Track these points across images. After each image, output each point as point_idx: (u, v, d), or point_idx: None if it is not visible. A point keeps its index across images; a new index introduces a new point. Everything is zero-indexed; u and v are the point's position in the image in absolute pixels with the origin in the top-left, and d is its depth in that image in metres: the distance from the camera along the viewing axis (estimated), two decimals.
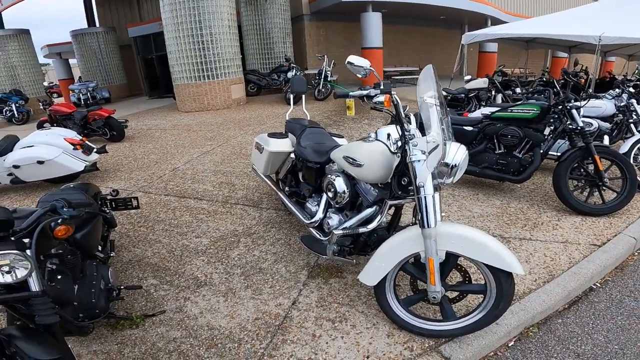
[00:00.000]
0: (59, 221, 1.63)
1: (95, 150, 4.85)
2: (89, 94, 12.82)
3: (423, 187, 1.70)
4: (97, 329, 2.02)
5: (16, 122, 10.74)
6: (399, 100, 1.82)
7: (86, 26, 15.68)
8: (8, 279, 1.38)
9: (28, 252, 1.45)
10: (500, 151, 3.55)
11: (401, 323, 1.89)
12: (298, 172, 2.92)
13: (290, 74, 8.95)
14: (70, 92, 13.31)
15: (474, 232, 1.75)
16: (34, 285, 1.45)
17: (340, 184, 2.20)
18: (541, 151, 3.32)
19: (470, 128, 3.75)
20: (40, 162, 4.19)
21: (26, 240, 1.49)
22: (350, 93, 1.90)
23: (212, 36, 8.33)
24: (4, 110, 10.86)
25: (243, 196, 3.77)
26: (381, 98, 1.78)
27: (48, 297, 1.48)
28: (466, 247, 1.70)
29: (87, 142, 4.88)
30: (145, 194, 4.03)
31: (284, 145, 2.92)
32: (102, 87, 13.70)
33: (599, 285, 2.36)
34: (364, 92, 1.84)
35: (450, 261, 1.80)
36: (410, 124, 1.88)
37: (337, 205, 2.29)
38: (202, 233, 3.08)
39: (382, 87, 1.81)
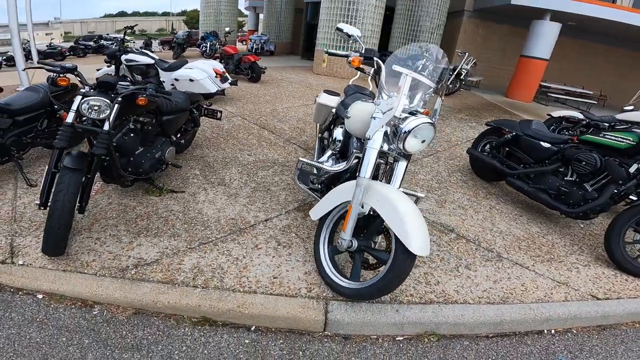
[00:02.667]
0: (143, 95, 2.45)
1: (229, 81, 6.17)
2: (260, 45, 15.29)
3: (370, 139, 1.88)
4: (136, 190, 2.86)
5: (205, 57, 13.80)
6: (382, 66, 1.97)
7: None
8: (94, 115, 2.16)
9: (116, 106, 2.21)
10: (569, 178, 3.07)
11: (317, 263, 2.10)
12: (334, 126, 3.27)
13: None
14: (250, 40, 16.12)
15: (403, 201, 1.75)
16: (106, 126, 2.18)
17: (337, 132, 2.51)
18: (615, 190, 2.75)
19: (547, 145, 3.30)
20: (191, 80, 5.63)
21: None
22: (329, 50, 2.15)
23: (357, 12, 8.86)
24: (201, 46, 14.06)
25: (303, 141, 4.34)
26: (351, 58, 1.97)
27: (110, 138, 2.18)
28: (385, 209, 1.74)
29: (226, 74, 6.23)
30: (241, 118, 5.02)
31: (330, 100, 3.28)
32: (271, 41, 16.05)
33: (553, 332, 2.06)
34: (344, 53, 2.06)
35: (376, 222, 1.90)
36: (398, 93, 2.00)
37: (333, 152, 2.59)
38: (253, 153, 3.81)
39: (363, 51, 1.99)
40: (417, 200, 2.19)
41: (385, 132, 1.90)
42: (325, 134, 3.29)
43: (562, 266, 2.52)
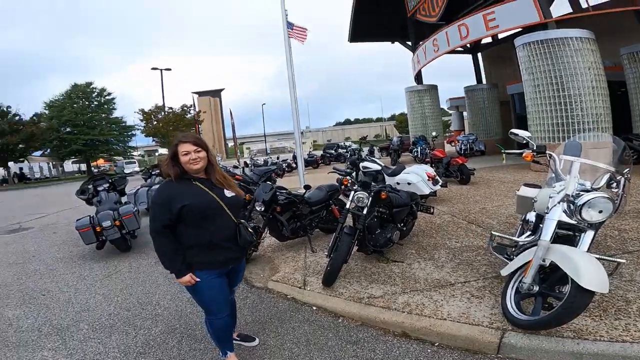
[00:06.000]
0: (383, 191, 3.90)
1: (439, 184, 7.29)
2: (468, 145, 15.54)
3: (547, 213, 2.38)
4: (371, 259, 4.08)
5: (417, 161, 15.55)
6: (554, 157, 2.51)
7: (475, 83, 18.03)
8: (360, 204, 3.68)
9: (370, 198, 3.69)
10: None
11: (502, 303, 2.52)
12: None
13: None
14: (457, 142, 16.59)
15: (579, 253, 2.15)
16: (365, 210, 3.66)
17: (530, 215, 3.12)
18: None
19: None
20: (409, 183, 7.10)
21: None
22: (504, 150, 2.79)
23: (571, 98, 8.33)
24: (412, 151, 15.94)
25: (511, 233, 4.61)
26: (524, 154, 2.59)
27: (365, 219, 3.63)
28: (562, 260, 2.17)
29: (437, 177, 7.41)
30: (451, 216, 5.84)
31: (529, 192, 3.65)
32: (480, 140, 15.83)
33: None
34: (518, 151, 2.69)
35: (556, 274, 2.27)
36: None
37: (529, 231, 3.02)
38: (460, 241, 4.50)
39: (534, 147, 2.59)
40: (617, 266, 2.36)
41: (565, 208, 2.35)
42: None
43: None
